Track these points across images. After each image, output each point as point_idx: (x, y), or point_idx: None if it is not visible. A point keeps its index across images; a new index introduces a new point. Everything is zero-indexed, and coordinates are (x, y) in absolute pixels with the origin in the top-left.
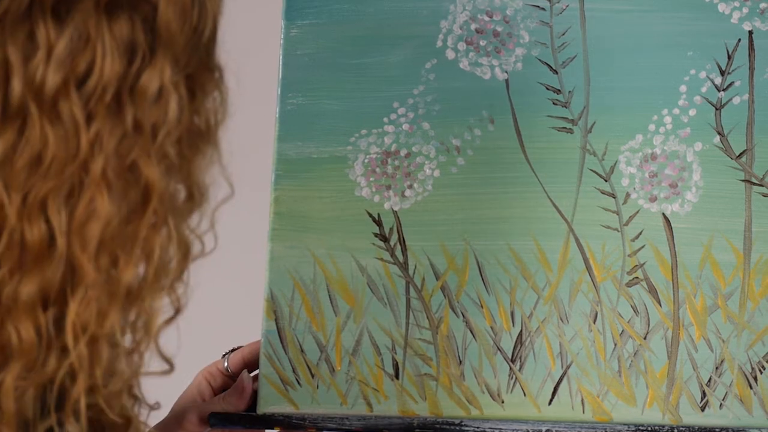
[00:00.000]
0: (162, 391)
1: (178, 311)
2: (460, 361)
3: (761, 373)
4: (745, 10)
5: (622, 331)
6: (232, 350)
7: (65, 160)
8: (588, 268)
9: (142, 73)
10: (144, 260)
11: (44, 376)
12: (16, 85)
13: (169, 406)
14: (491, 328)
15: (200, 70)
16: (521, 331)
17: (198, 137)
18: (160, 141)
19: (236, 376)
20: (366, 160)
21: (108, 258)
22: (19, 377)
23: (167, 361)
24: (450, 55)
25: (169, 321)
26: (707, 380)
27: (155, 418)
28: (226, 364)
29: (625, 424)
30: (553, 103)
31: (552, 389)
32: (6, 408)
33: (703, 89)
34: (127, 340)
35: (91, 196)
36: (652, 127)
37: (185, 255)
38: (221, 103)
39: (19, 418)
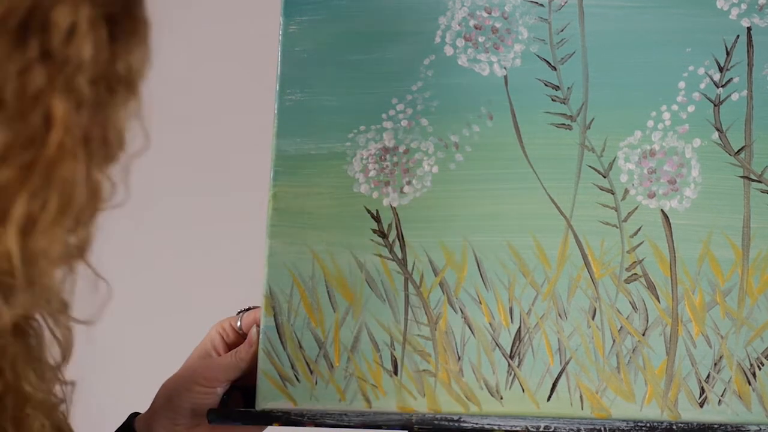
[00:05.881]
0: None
1: (81, 252)
2: (459, 357)
3: (760, 369)
4: (743, 7)
5: (621, 327)
6: (247, 309)
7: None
8: (587, 264)
9: (55, 4)
10: (44, 190)
11: None
12: None
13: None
14: (490, 324)
15: (123, 16)
16: (520, 327)
17: (117, 83)
18: (70, 73)
19: (246, 336)
20: (364, 157)
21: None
22: None
23: (103, 279)
24: (448, 51)
25: (68, 261)
26: (706, 376)
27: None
28: (239, 322)
29: (623, 421)
30: (552, 100)
31: (551, 385)
32: None
33: (702, 85)
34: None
35: None
36: (650, 123)
37: (94, 196)
38: (144, 53)
39: None
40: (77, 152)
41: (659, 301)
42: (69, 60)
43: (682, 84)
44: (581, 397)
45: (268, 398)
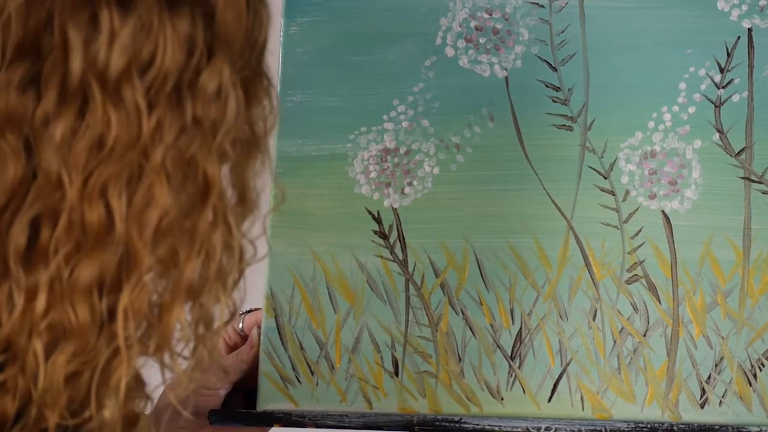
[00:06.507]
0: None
1: (233, 315)
2: (460, 359)
3: (761, 370)
4: (744, 8)
5: (622, 328)
6: (248, 311)
7: (127, 145)
8: (587, 265)
9: (201, 70)
10: (204, 257)
11: (94, 359)
12: (76, 66)
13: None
14: (491, 325)
15: (253, 76)
16: (521, 328)
17: (250, 142)
18: (220, 139)
19: (247, 337)
20: (366, 158)
21: (166, 249)
22: (71, 359)
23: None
24: (449, 52)
25: (228, 322)
26: (707, 377)
27: None
28: (241, 324)
29: (624, 422)
30: (553, 101)
31: (551, 386)
32: (56, 386)
33: (703, 87)
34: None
35: (150, 183)
36: (651, 124)
37: (241, 258)
38: (271, 111)
39: (68, 400)
40: (227, 216)
41: (660, 302)
42: (217, 124)
43: (682, 85)
44: (582, 398)
45: (269, 399)
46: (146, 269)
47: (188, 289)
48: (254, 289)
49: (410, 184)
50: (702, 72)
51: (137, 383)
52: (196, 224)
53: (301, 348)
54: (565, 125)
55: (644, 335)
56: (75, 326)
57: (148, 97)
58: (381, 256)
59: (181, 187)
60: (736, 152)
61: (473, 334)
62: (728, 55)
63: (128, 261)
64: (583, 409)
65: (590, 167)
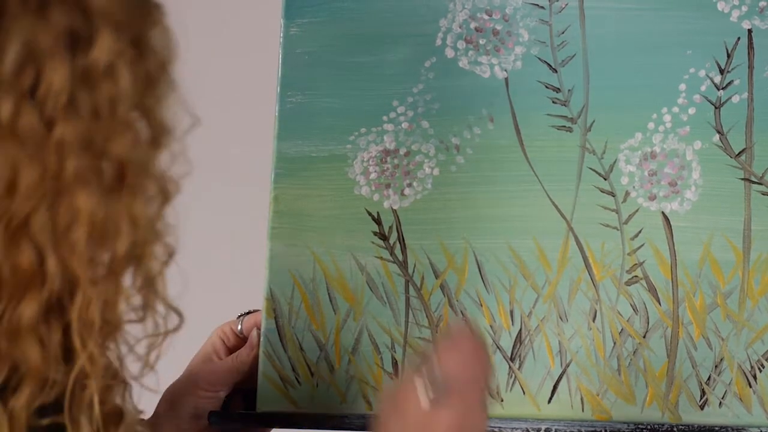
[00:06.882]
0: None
1: (171, 255)
2: None
3: (760, 371)
4: (744, 9)
5: (622, 329)
6: (248, 313)
7: (38, 177)
8: (587, 266)
9: (88, 56)
10: (132, 227)
11: (57, 389)
12: None
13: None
14: (491, 326)
15: (140, 22)
16: (521, 329)
17: (155, 83)
18: (121, 115)
19: (247, 339)
20: (365, 159)
21: (100, 248)
22: (31, 398)
23: (177, 312)
24: (449, 53)
25: (167, 264)
26: (706, 379)
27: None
28: (240, 326)
29: (624, 423)
30: (553, 102)
31: (551, 388)
32: (20, 425)
33: (703, 88)
34: (137, 302)
35: (70, 197)
36: (651, 125)
37: (165, 199)
38: (167, 40)
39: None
40: (143, 179)
41: (660, 304)
42: (114, 100)
43: (682, 86)
44: (582, 399)
45: (269, 400)
46: (89, 282)
47: (124, 266)
48: (254, 290)
49: (410, 185)
50: (702, 73)
51: (117, 385)
52: (118, 206)
53: (301, 349)
54: (565, 126)
55: (644, 336)
56: (28, 369)
57: (45, 116)
58: (381, 258)
59: (98, 182)
60: (736, 153)
61: None
62: (728, 56)
63: (68, 283)
64: (583, 411)
65: (590, 168)
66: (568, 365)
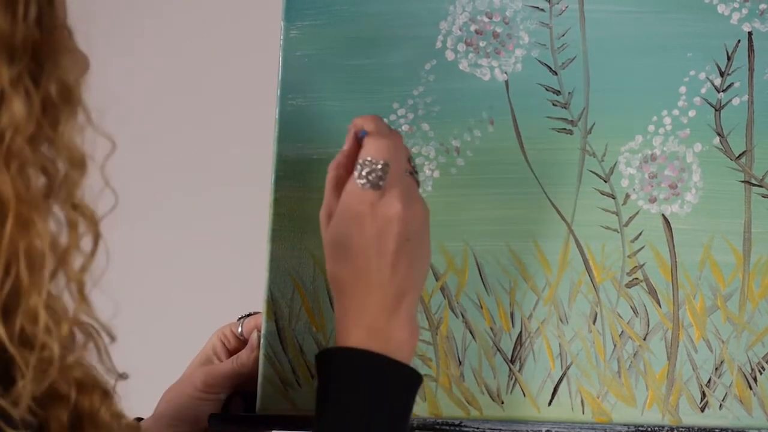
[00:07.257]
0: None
1: (97, 241)
2: (460, 362)
3: (761, 373)
4: (744, 11)
5: (622, 332)
6: (248, 315)
7: None
8: (587, 269)
9: None
10: (14, 262)
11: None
12: None
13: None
14: (491, 328)
15: (42, 45)
16: (521, 331)
17: (61, 107)
18: (7, 144)
19: (247, 342)
20: None
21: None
22: None
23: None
24: (449, 56)
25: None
26: (707, 381)
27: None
28: (240, 328)
29: (624, 425)
30: (553, 104)
31: (552, 390)
32: None
33: (703, 90)
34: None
35: None
36: (651, 128)
37: (90, 226)
38: (75, 60)
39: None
40: (35, 208)
41: (660, 306)
42: (3, 131)
43: (683, 89)
44: (582, 401)
45: (269, 403)
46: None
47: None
48: (254, 292)
49: None
50: (702, 76)
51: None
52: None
53: (302, 351)
54: (565, 129)
55: (644, 339)
56: None
57: None
58: None
59: None
60: (737, 156)
61: (473, 337)
62: (728, 58)
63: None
64: (583, 413)
65: (590, 171)
66: (568, 367)
